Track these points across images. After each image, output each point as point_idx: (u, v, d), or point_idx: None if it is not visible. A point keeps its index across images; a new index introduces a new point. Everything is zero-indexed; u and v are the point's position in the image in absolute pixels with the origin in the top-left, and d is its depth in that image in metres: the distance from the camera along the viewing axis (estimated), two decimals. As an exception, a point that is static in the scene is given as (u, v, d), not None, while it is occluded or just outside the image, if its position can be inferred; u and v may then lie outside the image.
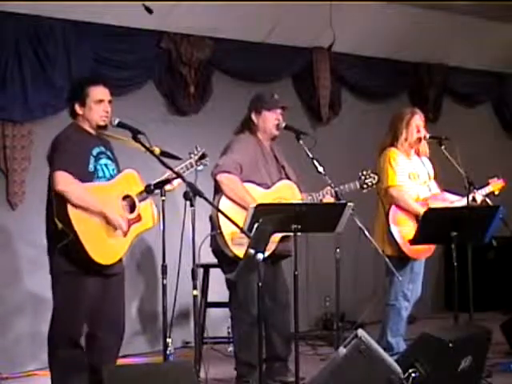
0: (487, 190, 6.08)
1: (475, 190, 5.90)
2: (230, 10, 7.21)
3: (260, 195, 5.34)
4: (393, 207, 5.88)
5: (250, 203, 5.14)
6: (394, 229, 5.84)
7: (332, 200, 5.44)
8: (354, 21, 7.98)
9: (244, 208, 5.18)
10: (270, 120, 5.48)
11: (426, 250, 5.94)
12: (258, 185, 5.42)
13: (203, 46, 7.27)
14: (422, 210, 5.73)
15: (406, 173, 5.97)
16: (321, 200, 5.46)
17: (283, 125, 5.53)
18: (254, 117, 5.51)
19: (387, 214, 5.88)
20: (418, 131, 5.98)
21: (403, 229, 5.85)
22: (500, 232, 5.81)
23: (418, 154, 6.10)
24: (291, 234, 4.89)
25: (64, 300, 4.67)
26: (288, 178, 5.58)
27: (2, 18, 6.17)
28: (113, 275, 4.75)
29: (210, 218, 5.33)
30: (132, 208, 4.75)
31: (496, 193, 6.16)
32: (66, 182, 4.51)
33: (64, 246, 4.52)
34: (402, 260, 5.83)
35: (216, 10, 7.11)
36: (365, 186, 5.60)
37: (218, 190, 5.37)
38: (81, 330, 4.75)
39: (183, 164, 4.93)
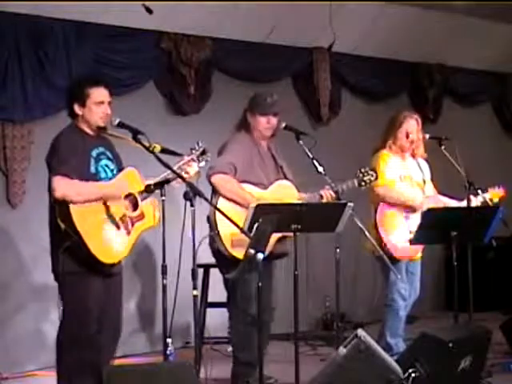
0: (485, 196, 6.03)
1: (472, 196, 5.87)
2: (230, 10, 7.22)
3: (257, 196, 5.34)
4: (380, 206, 5.88)
5: (249, 200, 5.15)
6: (381, 229, 5.84)
7: (331, 192, 5.43)
8: (353, 21, 7.99)
9: (243, 206, 5.18)
10: (262, 123, 5.46)
11: (413, 250, 5.92)
12: (255, 185, 5.41)
13: (203, 46, 7.28)
14: (413, 199, 5.76)
15: (397, 175, 5.97)
16: (320, 196, 5.45)
17: (283, 125, 5.52)
18: (248, 117, 5.52)
19: (376, 215, 5.88)
20: (407, 136, 5.96)
21: (390, 230, 5.84)
22: (500, 232, 5.80)
23: (413, 155, 6.09)
24: (291, 234, 4.90)
25: (73, 301, 4.63)
26: (286, 178, 5.57)
27: (2, 18, 6.17)
28: (114, 275, 4.75)
29: (208, 218, 5.33)
30: (135, 206, 4.75)
31: (495, 201, 6.10)
32: (63, 186, 4.49)
33: (67, 247, 4.51)
34: (393, 262, 5.80)
35: (216, 10, 7.11)
36: (363, 183, 5.59)
37: (214, 191, 5.37)
38: (92, 329, 4.65)
39: (184, 160, 4.92)
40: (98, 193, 4.59)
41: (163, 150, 4.72)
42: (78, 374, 4.62)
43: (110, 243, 4.61)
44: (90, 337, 4.63)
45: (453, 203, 6.04)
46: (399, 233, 5.84)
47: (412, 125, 5.98)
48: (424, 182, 6.11)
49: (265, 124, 5.45)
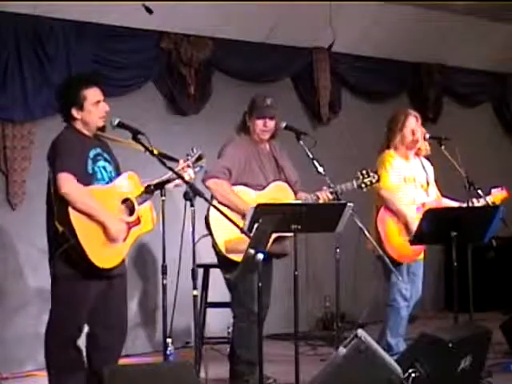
0: (488, 199, 6.00)
1: (474, 200, 5.86)
2: (230, 10, 7.22)
3: (252, 198, 5.36)
4: (382, 209, 5.87)
5: (239, 205, 5.23)
6: (382, 232, 5.83)
7: (327, 194, 5.43)
8: (353, 21, 7.99)
9: (234, 211, 5.23)
10: (258, 126, 5.51)
11: (413, 254, 5.90)
12: (252, 186, 5.44)
13: (203, 46, 7.28)
14: (409, 215, 5.75)
15: (402, 176, 5.96)
16: (317, 197, 5.45)
17: (283, 125, 5.55)
18: (247, 120, 5.56)
19: (377, 216, 5.88)
20: (413, 134, 5.96)
21: (391, 233, 5.84)
22: (500, 232, 5.80)
23: (418, 154, 6.09)
24: (290, 234, 4.90)
25: (63, 302, 4.64)
26: (286, 179, 5.57)
27: (2, 17, 6.17)
28: (115, 277, 4.74)
29: (205, 219, 5.34)
30: (131, 211, 4.74)
31: (497, 203, 6.08)
32: (70, 184, 4.48)
33: (64, 250, 4.51)
34: (396, 263, 5.80)
35: (216, 10, 7.11)
36: (363, 185, 5.57)
37: (211, 196, 5.39)
38: (79, 331, 4.70)
39: (180, 166, 4.92)
40: (98, 216, 4.54)
41: (160, 155, 4.71)
42: (66, 374, 4.66)
43: (106, 248, 4.59)
44: (75, 338, 4.65)
45: (455, 205, 6.02)
46: (400, 237, 5.82)
47: (415, 123, 5.98)
48: (428, 183, 6.10)
49: (261, 127, 5.50)
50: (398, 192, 5.91)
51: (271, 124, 5.51)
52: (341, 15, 7.80)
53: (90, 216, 4.51)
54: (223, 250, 5.27)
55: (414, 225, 5.63)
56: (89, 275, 4.58)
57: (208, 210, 5.29)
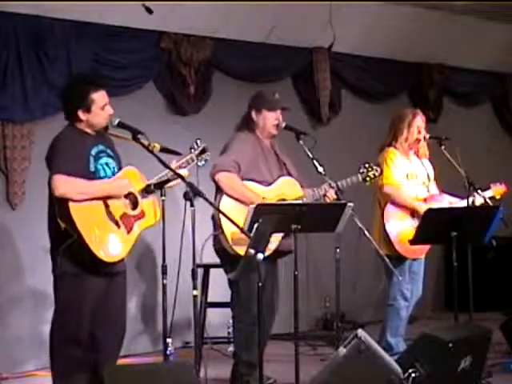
0: (487, 194, 6.04)
1: (475, 194, 5.89)
2: (230, 10, 7.22)
3: (261, 193, 5.35)
4: (388, 205, 5.89)
5: (252, 198, 5.18)
6: (388, 227, 5.84)
7: (333, 193, 5.43)
8: (353, 21, 7.99)
9: (246, 204, 5.19)
10: (270, 120, 5.49)
11: (420, 249, 5.92)
12: (259, 182, 5.42)
13: (203, 46, 7.28)
14: (418, 205, 5.76)
15: (404, 173, 5.98)
16: (324, 194, 5.45)
17: (283, 125, 5.53)
18: (253, 115, 5.52)
19: (383, 212, 5.88)
20: (419, 132, 5.99)
21: (398, 227, 5.85)
22: (500, 232, 5.81)
23: (417, 155, 6.10)
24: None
25: (67, 300, 4.64)
26: (289, 174, 5.57)
27: (2, 17, 6.17)
28: (116, 274, 4.75)
29: (212, 217, 5.33)
30: (135, 205, 4.75)
31: (497, 197, 6.12)
32: (64, 184, 4.49)
33: (68, 246, 4.51)
34: (399, 260, 5.82)
35: (216, 10, 7.12)
36: (367, 178, 5.59)
37: (218, 190, 5.38)
38: (83, 329, 4.68)
39: (184, 159, 4.92)
40: (98, 191, 4.58)
41: (163, 149, 4.73)
42: (71, 372, 4.65)
43: (109, 242, 4.60)
44: (80, 336, 4.64)
45: (456, 201, 6.04)
46: (406, 231, 5.82)
47: (421, 121, 6.00)
48: (429, 179, 6.12)
49: (273, 120, 5.47)
50: (401, 188, 5.92)
51: (281, 117, 5.49)
52: (341, 15, 7.80)
53: (94, 199, 4.52)
54: (230, 241, 5.24)
55: (423, 208, 5.66)
56: (92, 272, 4.59)
57: (218, 203, 5.26)
